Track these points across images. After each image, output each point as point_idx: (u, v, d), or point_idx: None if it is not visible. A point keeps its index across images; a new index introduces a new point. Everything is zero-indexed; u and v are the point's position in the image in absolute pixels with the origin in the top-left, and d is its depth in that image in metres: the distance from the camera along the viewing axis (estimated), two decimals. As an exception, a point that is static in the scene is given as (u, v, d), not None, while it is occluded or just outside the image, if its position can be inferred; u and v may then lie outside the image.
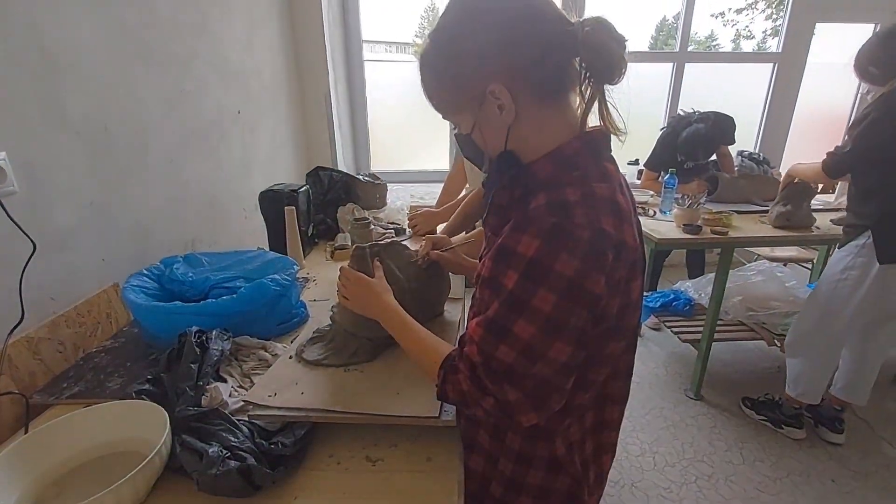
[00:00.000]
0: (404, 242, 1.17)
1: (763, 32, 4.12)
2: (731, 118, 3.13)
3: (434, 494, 0.76)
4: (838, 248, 2.10)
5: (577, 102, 0.73)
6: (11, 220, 0.94)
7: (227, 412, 0.84)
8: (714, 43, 5.92)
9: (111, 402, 0.84)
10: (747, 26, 6.19)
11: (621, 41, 0.67)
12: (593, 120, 0.73)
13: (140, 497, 0.71)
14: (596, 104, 0.71)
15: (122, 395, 0.94)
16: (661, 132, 3.29)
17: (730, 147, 3.23)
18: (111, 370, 1.06)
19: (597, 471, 0.87)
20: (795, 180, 2.38)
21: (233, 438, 0.75)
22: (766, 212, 2.59)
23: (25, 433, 0.82)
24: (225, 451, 0.72)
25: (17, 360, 0.97)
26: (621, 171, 0.76)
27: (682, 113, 3.23)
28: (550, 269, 0.61)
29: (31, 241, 0.97)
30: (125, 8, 1.41)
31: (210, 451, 0.70)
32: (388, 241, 1.08)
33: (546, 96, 0.70)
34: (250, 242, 2.23)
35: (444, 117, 0.78)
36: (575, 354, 0.64)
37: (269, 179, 2.46)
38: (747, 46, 7.12)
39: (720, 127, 3.08)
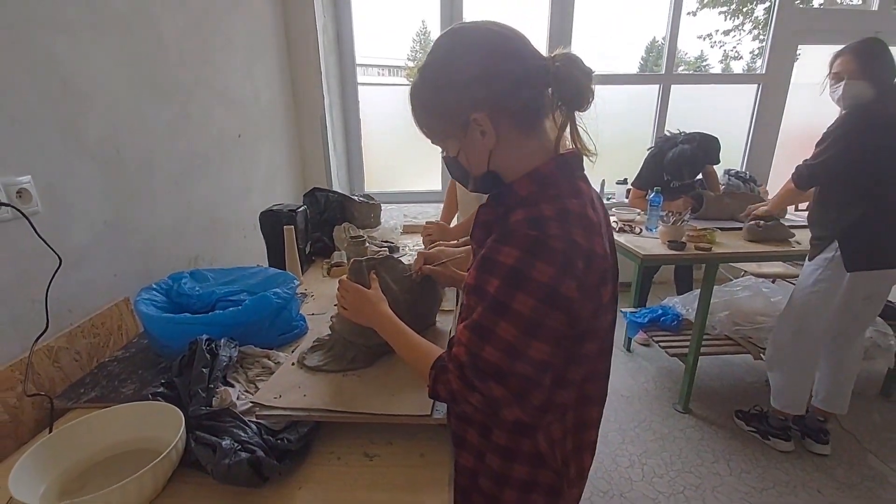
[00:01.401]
0: (399, 258, 1.25)
1: (750, 53, 4.27)
2: (716, 139, 3.27)
3: (426, 486, 0.84)
4: (808, 260, 2.20)
5: (552, 128, 0.83)
6: (40, 237, 1.02)
7: (238, 414, 0.91)
8: (704, 63, 6.09)
9: (129, 403, 0.91)
10: (735, 47, 6.40)
11: (588, 73, 0.77)
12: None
13: (158, 487, 0.78)
14: (569, 129, 0.81)
15: (136, 399, 1.01)
16: (648, 152, 3.41)
17: (715, 166, 3.35)
18: (124, 377, 1.12)
19: (577, 466, 0.94)
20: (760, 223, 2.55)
21: (243, 434, 0.82)
22: (748, 229, 2.71)
23: (49, 433, 0.88)
24: (237, 445, 0.79)
25: (39, 367, 1.04)
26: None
27: (668, 133, 3.36)
28: (528, 276, 0.69)
29: (58, 255, 1.05)
30: (136, 41, 1.51)
31: (223, 443, 0.78)
32: (384, 255, 1.16)
33: (523, 123, 0.79)
34: (249, 260, 2.31)
35: (432, 142, 0.87)
36: (553, 353, 0.72)
37: (268, 200, 2.55)
38: (736, 67, 7.33)
39: (704, 147, 3.20)
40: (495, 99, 0.77)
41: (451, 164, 0.88)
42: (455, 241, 1.71)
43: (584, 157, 0.84)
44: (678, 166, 3.18)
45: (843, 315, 2.11)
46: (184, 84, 1.81)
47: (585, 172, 0.86)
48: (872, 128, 1.93)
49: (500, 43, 0.77)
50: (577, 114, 0.80)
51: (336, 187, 3.56)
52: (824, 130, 2.09)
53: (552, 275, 0.69)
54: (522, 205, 0.77)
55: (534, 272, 0.69)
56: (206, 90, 1.98)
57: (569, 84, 0.76)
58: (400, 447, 0.93)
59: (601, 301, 0.77)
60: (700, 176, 3.34)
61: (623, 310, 3.37)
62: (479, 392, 0.74)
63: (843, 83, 2.01)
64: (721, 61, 6.72)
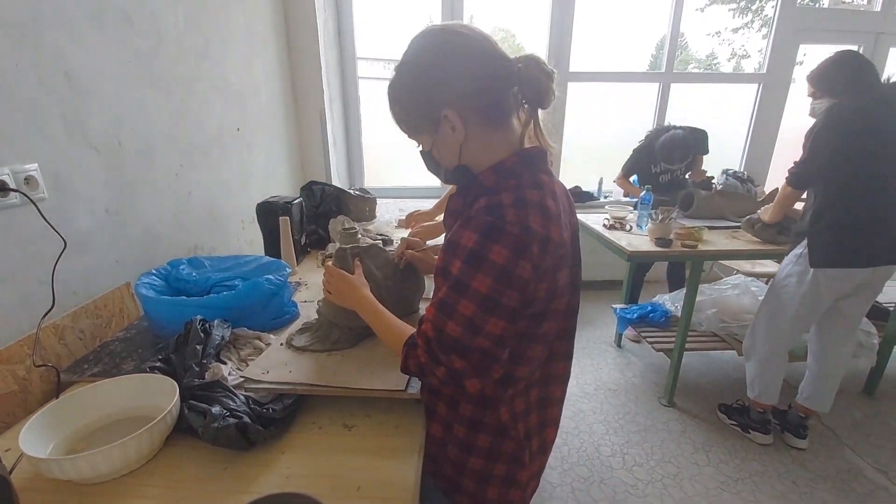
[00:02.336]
0: (385, 248, 1.33)
1: (759, 52, 4.30)
2: (705, 131, 3.38)
3: (399, 452, 0.92)
4: (786, 255, 2.28)
5: (518, 124, 0.90)
6: (46, 221, 1.10)
7: (228, 386, 0.98)
8: (714, 62, 6.09)
9: (129, 375, 0.99)
10: (743, 45, 6.39)
11: (549, 74, 0.84)
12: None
13: (155, 448, 0.86)
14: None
15: (135, 373, 1.09)
16: (638, 144, 3.52)
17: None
18: (125, 355, 1.20)
19: (540, 440, 1.02)
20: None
21: (231, 403, 0.90)
22: (738, 227, 2.78)
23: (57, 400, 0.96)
24: (225, 412, 0.86)
25: (46, 344, 1.12)
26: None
27: (657, 127, 3.47)
28: (486, 258, 0.76)
29: (63, 239, 1.13)
30: (136, 35, 1.58)
31: (213, 409, 0.86)
32: (368, 244, 1.24)
33: (490, 119, 0.87)
34: (247, 250, 2.39)
35: (409, 137, 0.95)
36: (508, 329, 0.80)
37: (266, 193, 2.64)
38: (746, 65, 7.30)
39: (695, 136, 3.31)
40: (464, 97, 0.84)
41: (425, 157, 0.95)
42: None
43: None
44: (669, 150, 3.27)
45: (811, 310, 2.18)
46: (183, 78, 1.88)
47: (551, 167, 0.93)
48: (848, 129, 1.99)
49: (469, 45, 0.84)
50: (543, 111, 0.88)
51: (335, 181, 3.63)
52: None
53: (507, 257, 0.76)
54: (485, 194, 0.84)
55: (491, 254, 0.76)
56: (206, 84, 2.05)
57: (531, 84, 0.83)
58: (377, 419, 1.01)
59: (557, 284, 0.85)
60: (689, 159, 3.42)
61: (614, 306, 3.44)
62: (443, 365, 0.82)
63: (812, 103, 2.17)
64: (729, 59, 6.70)
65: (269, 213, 1.94)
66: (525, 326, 0.85)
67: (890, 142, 1.98)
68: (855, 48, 4.10)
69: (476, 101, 0.85)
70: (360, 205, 2.57)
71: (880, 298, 3.12)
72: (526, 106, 0.87)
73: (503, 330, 0.79)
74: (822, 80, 2.10)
